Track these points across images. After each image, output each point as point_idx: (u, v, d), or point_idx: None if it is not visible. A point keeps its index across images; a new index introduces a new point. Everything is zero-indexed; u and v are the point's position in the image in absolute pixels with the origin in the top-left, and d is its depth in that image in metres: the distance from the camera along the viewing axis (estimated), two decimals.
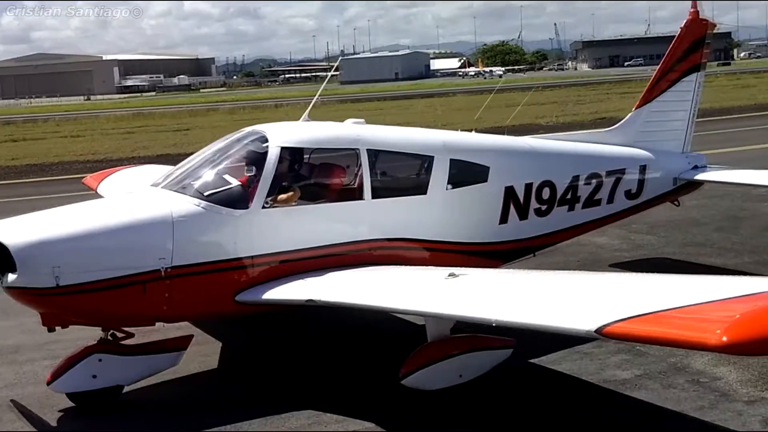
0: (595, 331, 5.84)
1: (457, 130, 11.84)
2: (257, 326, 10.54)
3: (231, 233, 8.24)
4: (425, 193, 9.37)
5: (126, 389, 8.44)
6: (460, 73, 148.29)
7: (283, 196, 8.58)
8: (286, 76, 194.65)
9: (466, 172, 9.77)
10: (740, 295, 5.91)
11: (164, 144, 37.69)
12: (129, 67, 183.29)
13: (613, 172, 11.11)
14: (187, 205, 8.21)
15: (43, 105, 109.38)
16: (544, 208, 10.35)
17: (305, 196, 8.78)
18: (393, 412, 7.93)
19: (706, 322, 5.48)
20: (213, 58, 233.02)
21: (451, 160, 9.51)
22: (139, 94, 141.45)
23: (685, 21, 12.21)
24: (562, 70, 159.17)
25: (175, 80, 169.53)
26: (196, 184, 8.60)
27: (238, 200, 8.42)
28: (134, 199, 8.83)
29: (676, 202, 12.41)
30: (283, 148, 8.76)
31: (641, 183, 11.45)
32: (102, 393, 8.18)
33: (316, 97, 10.96)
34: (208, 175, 8.78)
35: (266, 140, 8.83)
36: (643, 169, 11.47)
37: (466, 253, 9.63)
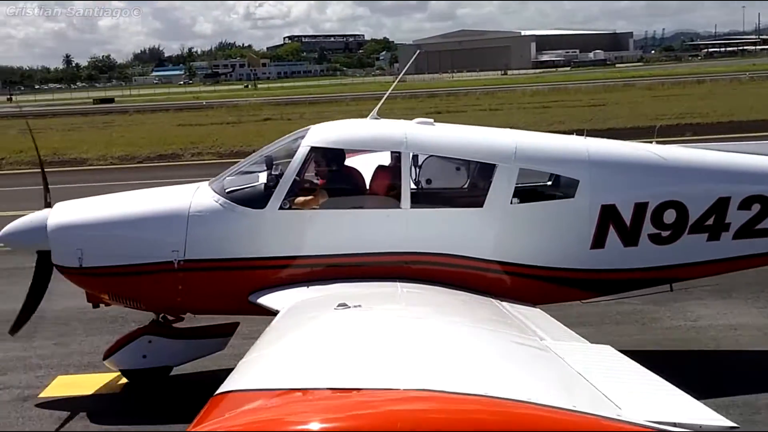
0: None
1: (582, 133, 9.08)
2: None
3: (244, 232, 8.01)
4: (481, 206, 8.07)
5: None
6: None
7: (301, 199, 8.07)
8: (709, 50, 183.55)
9: (542, 185, 8.53)
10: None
11: (579, 119, 37.19)
12: (545, 43, 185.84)
13: None
14: (206, 200, 8.15)
15: (464, 79, 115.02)
16: (666, 234, 8.28)
17: (334, 200, 8.19)
18: None
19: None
20: (631, 33, 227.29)
21: (521, 169, 8.13)
22: (553, 69, 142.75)
23: None
24: None
25: (591, 55, 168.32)
26: (228, 180, 8.50)
27: (257, 199, 8.15)
28: (167, 192, 8.81)
29: None
30: (312, 148, 8.23)
31: None
32: (151, 372, 8.66)
33: (389, 91, 9.47)
34: (244, 172, 8.69)
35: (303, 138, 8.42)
36: None
37: (539, 278, 8.22)
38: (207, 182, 8.61)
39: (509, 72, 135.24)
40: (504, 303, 7.65)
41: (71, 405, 8.49)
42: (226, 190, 8.29)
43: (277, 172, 8.34)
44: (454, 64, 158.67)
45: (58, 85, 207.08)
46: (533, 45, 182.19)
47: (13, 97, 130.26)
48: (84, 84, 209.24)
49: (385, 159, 8.73)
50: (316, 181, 8.47)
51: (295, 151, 8.26)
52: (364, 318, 6.40)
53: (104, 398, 8.76)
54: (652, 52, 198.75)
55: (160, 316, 8.90)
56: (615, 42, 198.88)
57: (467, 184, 8.64)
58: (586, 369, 5.36)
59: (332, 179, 8.44)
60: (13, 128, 53.39)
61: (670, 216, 8.25)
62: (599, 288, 8.54)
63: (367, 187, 8.52)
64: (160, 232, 8.08)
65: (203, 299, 8.26)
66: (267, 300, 7.70)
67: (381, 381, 4.67)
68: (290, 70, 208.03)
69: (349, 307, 6.52)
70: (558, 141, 9.00)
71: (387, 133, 8.61)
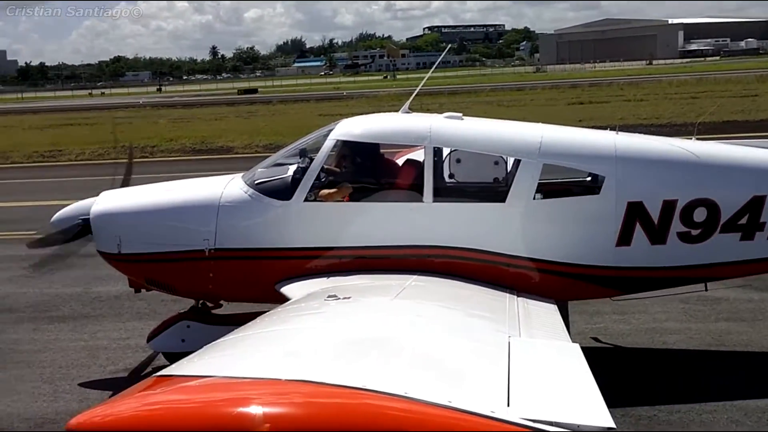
0: None
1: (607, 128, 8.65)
2: None
3: (271, 223, 8.23)
4: (503, 200, 8.02)
5: None
6: None
7: (326, 191, 8.20)
8: None
9: (567, 181, 8.49)
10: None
11: (730, 110, 35.67)
12: (693, 31, 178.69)
13: None
14: (236, 191, 8.38)
15: (607, 69, 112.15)
16: (696, 232, 8.03)
17: (358, 193, 8.30)
18: None
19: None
20: None
21: (545, 165, 8.06)
22: (701, 59, 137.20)
23: None
24: None
25: (742, 44, 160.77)
26: (259, 172, 8.67)
27: (283, 191, 8.31)
28: (202, 182, 9.14)
29: None
30: (339, 141, 8.41)
31: None
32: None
33: (419, 86, 9.60)
34: (277, 164, 8.81)
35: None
36: None
37: (563, 275, 8.08)
38: (241, 174, 8.85)
39: (654, 62, 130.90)
40: (520, 298, 7.60)
41: None
42: (256, 182, 8.50)
43: (304, 165, 8.43)
44: (597, 53, 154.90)
45: (205, 76, 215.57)
46: (681, 33, 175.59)
47: (163, 88, 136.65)
48: (229, 75, 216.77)
49: (420, 155, 8.74)
50: (343, 173, 8.54)
51: (321, 144, 8.46)
52: (335, 311, 6.53)
53: None
54: None
55: (199, 302, 9.23)
56: None
57: (490, 178, 8.52)
58: (522, 367, 5.29)
59: (358, 172, 8.57)
60: (163, 117, 56.01)
61: (700, 214, 8.02)
62: (626, 286, 8.35)
63: (392, 180, 8.58)
64: (192, 221, 8.39)
65: (233, 287, 8.56)
66: (288, 290, 7.86)
67: (272, 371, 4.71)
68: (429, 61, 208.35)
69: (339, 298, 6.69)
70: (585, 136, 8.91)
71: (412, 127, 8.71)
